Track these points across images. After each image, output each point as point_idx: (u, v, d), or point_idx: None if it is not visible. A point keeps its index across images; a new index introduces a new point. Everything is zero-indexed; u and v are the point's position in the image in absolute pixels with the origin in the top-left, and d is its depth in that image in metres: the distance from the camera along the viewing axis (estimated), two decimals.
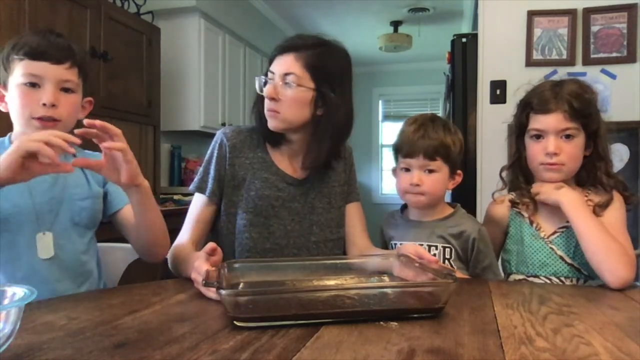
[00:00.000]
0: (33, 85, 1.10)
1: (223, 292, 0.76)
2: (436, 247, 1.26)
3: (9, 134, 1.19)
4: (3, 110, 1.16)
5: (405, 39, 4.96)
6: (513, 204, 1.31)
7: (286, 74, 1.17)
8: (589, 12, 2.44)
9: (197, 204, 1.27)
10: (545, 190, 1.22)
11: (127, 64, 2.87)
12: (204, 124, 3.63)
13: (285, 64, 1.18)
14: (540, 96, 1.22)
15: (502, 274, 1.34)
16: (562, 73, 2.23)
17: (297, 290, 0.90)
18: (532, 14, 2.49)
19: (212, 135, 1.34)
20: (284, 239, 1.25)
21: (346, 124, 1.24)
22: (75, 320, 0.78)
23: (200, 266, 0.94)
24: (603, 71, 2.43)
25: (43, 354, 0.64)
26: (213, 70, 3.74)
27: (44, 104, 1.09)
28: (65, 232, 1.16)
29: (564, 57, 2.46)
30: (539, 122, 1.22)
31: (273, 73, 1.19)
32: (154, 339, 0.70)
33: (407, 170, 1.27)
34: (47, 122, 1.10)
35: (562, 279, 1.22)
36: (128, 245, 1.26)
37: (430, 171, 1.24)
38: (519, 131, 1.30)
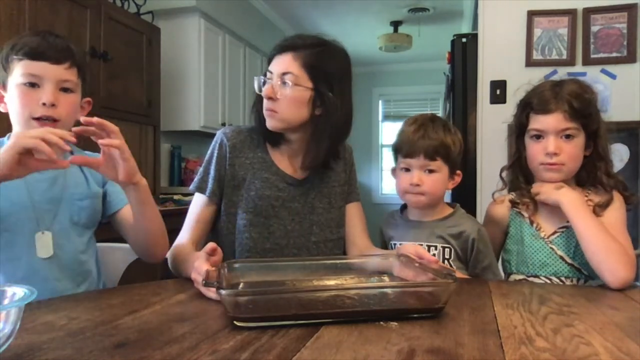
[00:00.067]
0: (32, 85, 1.10)
1: (223, 292, 0.76)
2: (435, 247, 1.26)
3: (8, 134, 1.19)
4: (2, 110, 1.16)
5: (405, 39, 4.96)
6: (513, 204, 1.31)
7: (284, 74, 1.17)
8: (589, 12, 2.44)
9: (197, 204, 1.27)
10: (545, 190, 1.22)
11: (127, 64, 2.87)
12: (204, 124, 3.63)
13: (283, 63, 1.18)
14: (540, 96, 1.22)
15: (502, 274, 1.34)
16: (562, 73, 2.23)
17: (297, 290, 0.90)
18: (532, 14, 2.49)
19: (212, 135, 1.34)
20: (284, 239, 1.25)
21: (345, 124, 1.24)
22: (75, 320, 0.78)
23: (200, 266, 0.94)
24: (603, 71, 2.43)
25: (43, 354, 0.64)
26: (213, 70, 3.74)
27: (44, 104, 1.09)
28: (64, 232, 1.16)
29: (564, 57, 2.46)
30: (539, 122, 1.22)
31: (271, 73, 1.19)
32: (154, 339, 0.70)
33: (407, 170, 1.27)
34: (47, 122, 1.10)
35: (563, 279, 1.22)
36: (128, 246, 1.26)
37: (430, 171, 1.24)
38: (519, 131, 1.30)
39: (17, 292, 0.65)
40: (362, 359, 0.63)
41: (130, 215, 1.16)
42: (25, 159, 0.92)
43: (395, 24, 5.03)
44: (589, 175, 1.26)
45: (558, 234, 1.24)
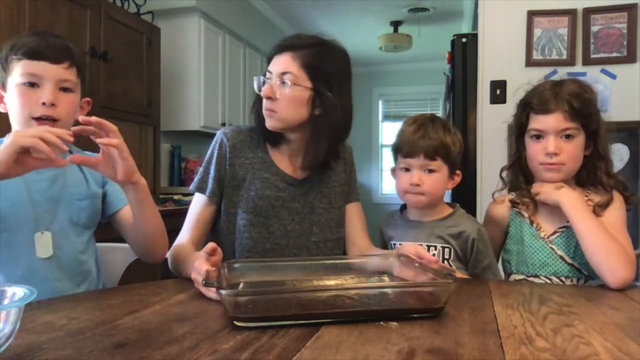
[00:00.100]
0: (32, 85, 1.10)
1: (223, 292, 0.76)
2: (435, 247, 1.26)
3: (7, 135, 1.19)
4: (2, 110, 1.16)
5: (405, 39, 4.96)
6: (513, 204, 1.31)
7: (283, 73, 1.17)
8: (589, 12, 2.43)
9: (197, 204, 1.26)
10: (545, 190, 1.22)
11: (127, 64, 2.87)
12: (204, 124, 3.63)
13: (283, 63, 1.18)
14: (540, 96, 1.22)
15: (502, 274, 1.34)
16: (562, 73, 2.23)
17: (297, 290, 0.90)
18: (532, 14, 2.49)
19: (212, 135, 1.34)
20: (284, 239, 1.25)
21: (344, 124, 1.24)
22: (75, 320, 0.78)
23: (200, 266, 0.94)
24: (603, 71, 2.43)
25: (43, 354, 0.64)
26: (213, 70, 3.74)
27: (43, 103, 1.09)
28: (63, 232, 1.16)
29: (564, 57, 2.46)
30: (539, 122, 1.22)
31: (271, 72, 1.19)
32: (154, 339, 0.70)
33: (407, 170, 1.27)
34: (46, 121, 1.10)
35: (563, 279, 1.22)
36: (128, 246, 1.26)
37: (430, 171, 1.24)
38: (519, 131, 1.30)
39: (17, 292, 0.65)
40: (362, 359, 0.63)
41: (130, 215, 1.16)
42: (23, 157, 0.92)
43: (395, 24, 5.03)
44: (589, 175, 1.26)
45: (558, 234, 1.24)
